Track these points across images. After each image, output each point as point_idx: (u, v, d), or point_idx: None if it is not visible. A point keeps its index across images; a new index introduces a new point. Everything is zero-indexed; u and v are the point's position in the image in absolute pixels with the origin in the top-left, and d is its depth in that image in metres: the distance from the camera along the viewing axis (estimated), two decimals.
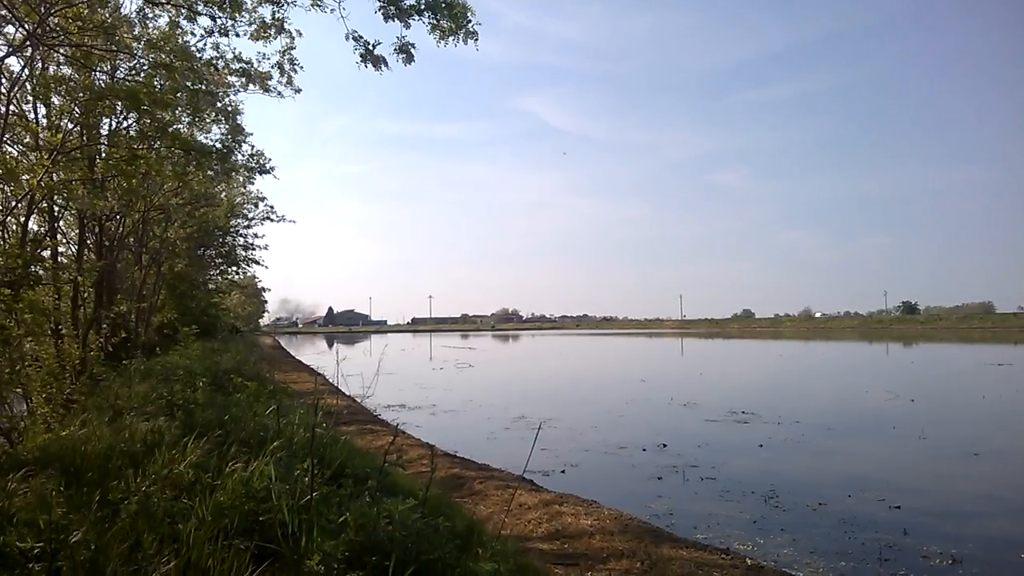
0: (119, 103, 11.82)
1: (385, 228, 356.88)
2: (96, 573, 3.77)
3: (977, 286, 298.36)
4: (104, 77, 12.68)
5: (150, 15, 12.58)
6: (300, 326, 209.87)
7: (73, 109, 12.35)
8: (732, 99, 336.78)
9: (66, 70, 12.27)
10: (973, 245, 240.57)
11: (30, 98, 12.87)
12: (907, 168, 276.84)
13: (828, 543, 8.69)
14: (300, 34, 11.88)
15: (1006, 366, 36.82)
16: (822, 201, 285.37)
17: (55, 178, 11.42)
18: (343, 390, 19.15)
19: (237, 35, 11.72)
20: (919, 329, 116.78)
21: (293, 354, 58.78)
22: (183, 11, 11.33)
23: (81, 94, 11.56)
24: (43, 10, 9.02)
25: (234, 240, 36.20)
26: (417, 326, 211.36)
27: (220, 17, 11.33)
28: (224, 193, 30.46)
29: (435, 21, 9.87)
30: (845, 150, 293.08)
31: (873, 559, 8.11)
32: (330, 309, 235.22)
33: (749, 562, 7.67)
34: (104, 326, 17.31)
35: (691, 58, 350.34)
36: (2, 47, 10.24)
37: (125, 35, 12.09)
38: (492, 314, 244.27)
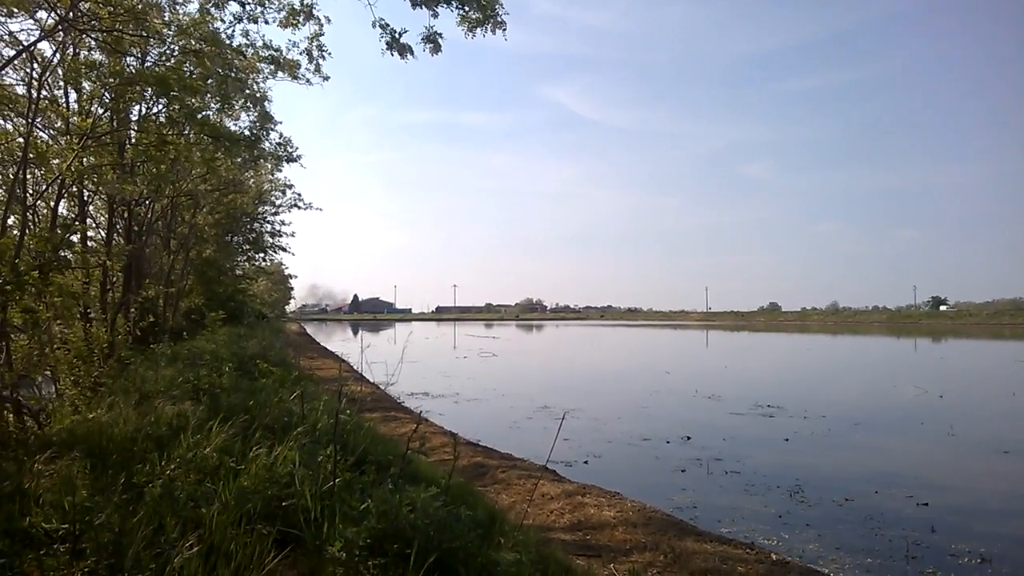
0: (149, 89, 11.86)
1: (411, 217, 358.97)
2: (119, 555, 3.78)
3: (1008, 282, 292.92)
4: (134, 63, 12.74)
5: (180, 1, 12.62)
6: (328, 312, 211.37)
7: (103, 94, 12.41)
8: (759, 90, 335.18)
9: (97, 55, 12.33)
10: (1004, 240, 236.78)
11: (61, 83, 12.95)
12: (936, 162, 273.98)
13: (854, 539, 8.59)
14: (329, 20, 11.87)
15: None
16: (850, 194, 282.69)
17: (85, 163, 11.50)
18: (367, 377, 19.22)
19: (267, 22, 11.76)
20: (948, 324, 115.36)
21: (319, 341, 59.17)
22: None
23: (111, 80, 11.60)
24: None
25: (261, 227, 36.36)
26: (441, 315, 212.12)
27: (249, 3, 11.37)
28: (252, 180, 30.59)
29: (464, 11, 9.76)
30: (873, 143, 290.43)
31: (900, 556, 8.00)
32: (355, 297, 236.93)
33: (774, 557, 7.61)
34: (132, 310, 17.47)
35: (718, 48, 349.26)
36: (34, 32, 10.29)
37: (155, 21, 12.13)
38: (516, 304, 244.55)
